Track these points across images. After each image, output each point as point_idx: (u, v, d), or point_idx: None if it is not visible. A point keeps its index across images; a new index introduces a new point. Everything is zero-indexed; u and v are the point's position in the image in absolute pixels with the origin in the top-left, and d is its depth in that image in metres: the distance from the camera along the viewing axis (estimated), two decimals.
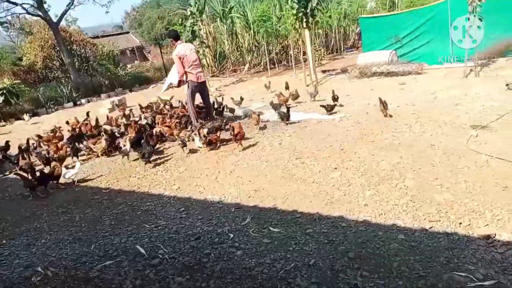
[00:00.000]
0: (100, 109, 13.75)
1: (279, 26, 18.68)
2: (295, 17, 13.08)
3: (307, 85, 14.03)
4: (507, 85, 8.79)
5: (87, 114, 11.19)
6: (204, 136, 7.61)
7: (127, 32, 52.98)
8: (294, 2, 12.71)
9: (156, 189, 6.02)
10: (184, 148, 7.52)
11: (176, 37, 8.92)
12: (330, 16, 19.49)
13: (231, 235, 4.26)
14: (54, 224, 5.24)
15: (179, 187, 5.92)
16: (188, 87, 8.87)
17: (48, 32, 23.08)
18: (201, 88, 9.06)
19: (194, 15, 15.12)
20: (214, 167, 6.60)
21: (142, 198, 5.74)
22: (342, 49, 22.82)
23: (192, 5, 15.51)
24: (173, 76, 9.29)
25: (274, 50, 19.93)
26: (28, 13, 18.90)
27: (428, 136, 6.56)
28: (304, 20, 13.15)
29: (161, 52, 23.98)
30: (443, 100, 8.85)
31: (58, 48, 22.29)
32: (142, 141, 7.54)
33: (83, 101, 18.06)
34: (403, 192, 4.72)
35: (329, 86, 12.90)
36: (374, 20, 16.00)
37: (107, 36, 41.71)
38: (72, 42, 22.85)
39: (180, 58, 8.58)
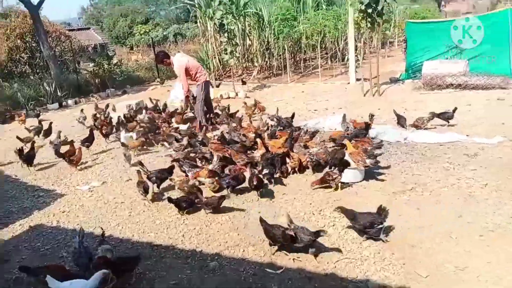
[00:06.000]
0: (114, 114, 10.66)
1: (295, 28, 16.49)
2: (362, 14, 10.87)
3: (364, 95, 11.89)
4: None
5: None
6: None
7: (88, 28, 48.63)
8: None
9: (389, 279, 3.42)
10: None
11: (167, 56, 8.75)
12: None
13: None
14: None
15: None
16: (202, 89, 8.67)
17: (16, 19, 19.32)
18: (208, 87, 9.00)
19: (225, 5, 12.48)
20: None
21: None
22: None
23: None
24: (177, 91, 9.60)
25: (286, 53, 17.45)
26: None
27: None
28: (369, 19, 10.99)
29: (153, 48, 20.82)
30: None
31: (29, 38, 18.63)
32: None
33: (69, 102, 14.69)
34: None
35: (398, 98, 10.95)
36: (423, 25, 14.17)
37: (68, 30, 37.56)
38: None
39: (186, 68, 8.36)
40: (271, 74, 18.40)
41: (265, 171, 5.28)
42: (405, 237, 3.91)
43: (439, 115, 7.69)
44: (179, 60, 8.52)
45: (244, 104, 10.19)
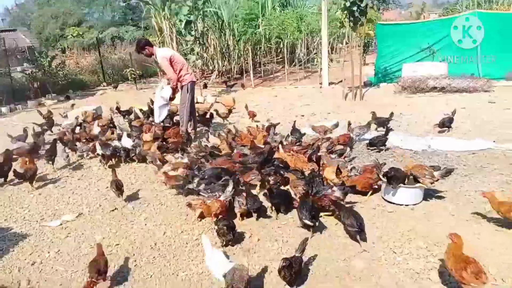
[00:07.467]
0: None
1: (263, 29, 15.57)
2: (346, 11, 10.13)
3: (345, 99, 11.15)
4: None
5: None
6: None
7: (14, 30, 44.48)
8: None
9: None
10: None
11: (150, 44, 7.55)
12: None
13: None
14: None
15: None
16: (188, 91, 7.46)
17: None
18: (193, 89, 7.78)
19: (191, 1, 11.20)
20: None
21: None
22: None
23: None
24: (163, 92, 7.49)
25: (249, 56, 16.38)
26: None
27: None
28: (351, 18, 10.29)
29: (99, 49, 18.82)
30: None
31: None
32: None
33: (3, 109, 12.54)
34: None
35: (385, 102, 10.30)
36: (394, 27, 13.78)
37: None
38: None
39: (170, 60, 7.17)
40: (229, 78, 17.24)
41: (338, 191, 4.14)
42: None
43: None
44: (163, 50, 7.71)
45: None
